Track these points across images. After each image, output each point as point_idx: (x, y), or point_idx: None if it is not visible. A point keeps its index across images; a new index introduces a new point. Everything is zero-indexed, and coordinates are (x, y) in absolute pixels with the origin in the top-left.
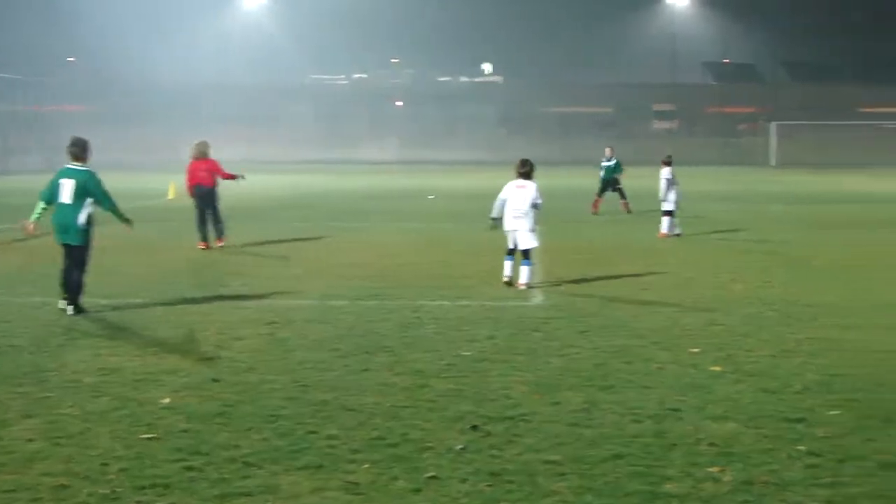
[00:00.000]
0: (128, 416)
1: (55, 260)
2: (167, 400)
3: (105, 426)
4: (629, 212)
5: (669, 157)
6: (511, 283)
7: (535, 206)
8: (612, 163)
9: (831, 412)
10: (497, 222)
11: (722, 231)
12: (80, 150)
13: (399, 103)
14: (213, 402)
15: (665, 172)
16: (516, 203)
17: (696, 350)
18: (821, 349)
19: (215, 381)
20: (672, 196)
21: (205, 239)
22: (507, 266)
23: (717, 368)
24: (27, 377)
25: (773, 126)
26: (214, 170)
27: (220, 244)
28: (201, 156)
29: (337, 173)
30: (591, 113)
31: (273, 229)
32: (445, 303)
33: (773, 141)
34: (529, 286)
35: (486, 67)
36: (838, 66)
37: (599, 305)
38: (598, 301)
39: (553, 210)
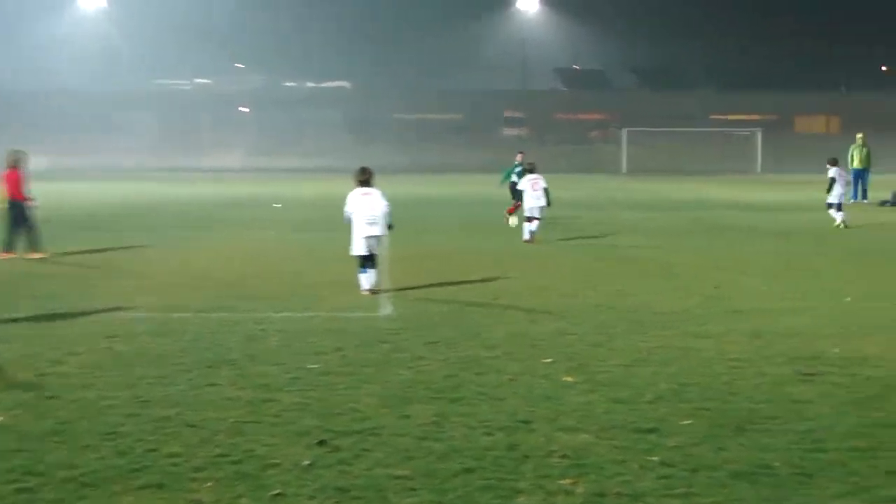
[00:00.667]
0: None
1: None
2: None
3: None
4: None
5: (532, 164)
6: (373, 291)
7: (383, 212)
8: (520, 168)
9: (683, 422)
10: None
11: (575, 238)
12: None
13: (244, 109)
14: (48, 419)
15: (528, 179)
16: (367, 210)
17: (548, 360)
18: (673, 358)
19: (50, 398)
20: (538, 202)
21: (9, 248)
22: (364, 279)
23: (570, 379)
24: None
25: (624, 133)
26: (15, 181)
27: (35, 256)
28: (14, 164)
29: (181, 181)
30: (442, 119)
31: (113, 239)
32: (292, 314)
33: (625, 148)
34: (374, 291)
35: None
36: (689, 73)
37: (450, 315)
38: (449, 311)
39: (403, 219)
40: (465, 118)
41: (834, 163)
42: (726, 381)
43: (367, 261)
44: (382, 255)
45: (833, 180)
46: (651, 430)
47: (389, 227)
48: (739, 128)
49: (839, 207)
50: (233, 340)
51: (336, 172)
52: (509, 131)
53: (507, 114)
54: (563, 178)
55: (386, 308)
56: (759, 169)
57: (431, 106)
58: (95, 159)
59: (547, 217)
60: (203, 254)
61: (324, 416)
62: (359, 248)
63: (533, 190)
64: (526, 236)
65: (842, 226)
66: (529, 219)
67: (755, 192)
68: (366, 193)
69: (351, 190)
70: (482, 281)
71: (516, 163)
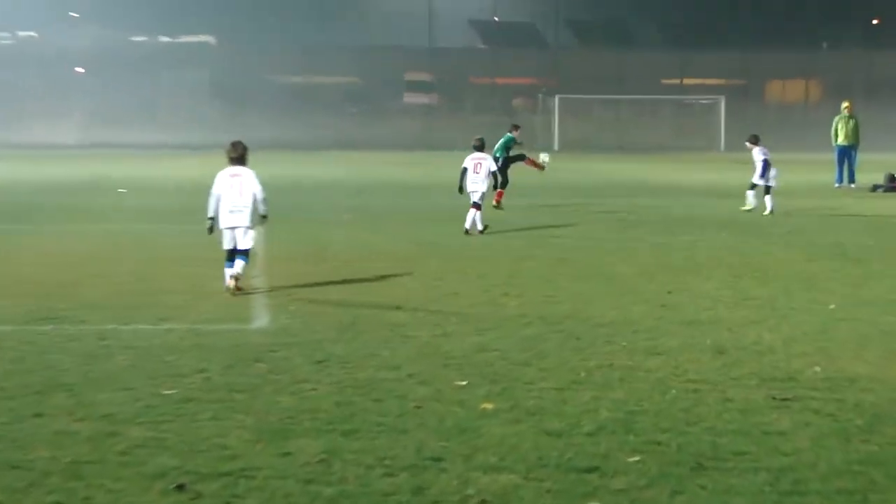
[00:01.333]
0: None
1: None
2: None
3: None
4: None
5: (480, 140)
6: (235, 290)
7: (254, 197)
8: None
9: (630, 458)
10: (214, 222)
11: (495, 232)
12: None
13: (79, 70)
14: None
15: (472, 159)
16: (232, 196)
17: (462, 383)
18: (618, 379)
19: None
20: (481, 186)
21: None
22: (228, 272)
23: (489, 406)
24: None
25: (556, 100)
26: None
27: None
28: None
29: None
30: (333, 83)
31: None
32: (142, 326)
33: (556, 119)
34: (242, 290)
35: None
36: (638, 28)
37: (341, 328)
38: (340, 322)
39: (282, 208)
40: (360, 83)
41: (755, 141)
42: (683, 408)
43: (238, 253)
44: (256, 250)
45: (766, 162)
46: (591, 470)
47: (264, 217)
48: (698, 95)
49: (767, 191)
50: (67, 360)
51: (198, 150)
52: (413, 98)
53: (410, 76)
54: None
55: (261, 318)
56: (722, 146)
57: (322, 67)
58: None
59: (450, 207)
60: (24, 253)
61: (183, 454)
62: (224, 240)
63: (474, 172)
64: (467, 224)
65: (769, 214)
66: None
67: (716, 173)
68: (235, 174)
69: (221, 169)
70: (382, 285)
71: (509, 135)
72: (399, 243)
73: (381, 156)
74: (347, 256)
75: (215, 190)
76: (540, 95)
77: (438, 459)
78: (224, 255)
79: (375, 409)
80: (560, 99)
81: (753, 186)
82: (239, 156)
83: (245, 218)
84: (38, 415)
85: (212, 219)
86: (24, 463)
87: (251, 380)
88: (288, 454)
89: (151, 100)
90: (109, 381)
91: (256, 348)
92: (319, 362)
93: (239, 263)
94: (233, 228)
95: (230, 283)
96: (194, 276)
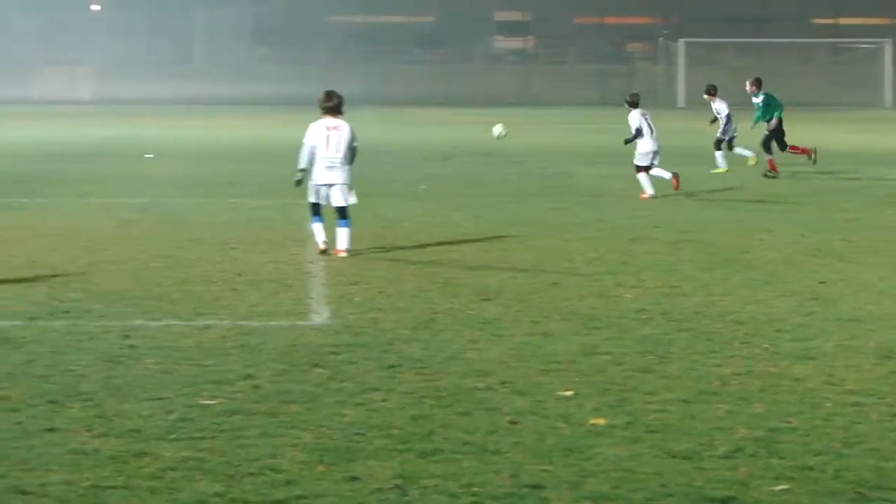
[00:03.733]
0: None
1: None
2: None
3: None
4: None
5: (635, 95)
6: (327, 251)
7: (352, 151)
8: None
9: (775, 487)
10: (305, 174)
11: (613, 208)
12: None
13: (95, 7)
14: None
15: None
16: (329, 151)
17: (567, 393)
18: (758, 390)
19: None
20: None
21: None
22: (320, 229)
23: (601, 421)
24: None
25: (680, 46)
26: None
27: None
28: None
29: None
30: (403, 24)
31: None
32: (175, 322)
33: (682, 69)
34: (350, 252)
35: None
36: None
37: (417, 325)
38: (416, 318)
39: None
40: (438, 22)
41: (713, 92)
42: (841, 426)
43: (339, 218)
44: (349, 206)
45: (729, 116)
46: (726, 500)
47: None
48: (857, 38)
49: (730, 145)
50: (85, 363)
51: (239, 105)
52: (504, 43)
53: (501, 16)
54: (586, 113)
55: (320, 313)
56: (887, 100)
57: (384, 3)
58: None
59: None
60: (31, 232)
61: (226, 478)
62: (311, 193)
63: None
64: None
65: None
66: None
67: (879, 134)
68: (333, 126)
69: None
70: (467, 272)
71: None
72: (487, 221)
73: (461, 113)
74: (423, 237)
75: (308, 140)
76: (660, 39)
77: (538, 487)
78: (309, 210)
79: (460, 424)
80: (685, 44)
81: (720, 144)
82: (335, 105)
83: (343, 175)
84: (52, 429)
85: (303, 170)
86: (34, 488)
87: (308, 388)
88: (354, 479)
89: (182, 45)
90: (136, 388)
91: (314, 349)
92: (391, 367)
93: (344, 232)
94: (329, 185)
95: (323, 247)
96: (237, 262)
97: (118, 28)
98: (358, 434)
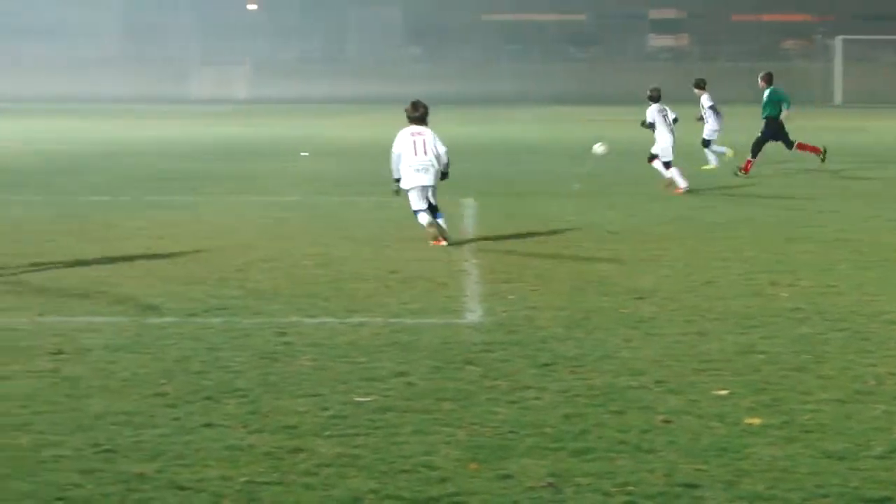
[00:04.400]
0: None
1: None
2: None
3: None
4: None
5: (656, 90)
6: (439, 238)
7: (437, 156)
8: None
9: None
10: (400, 184)
11: (765, 206)
12: None
13: (252, 6)
14: None
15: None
16: (416, 155)
17: (722, 392)
18: None
19: None
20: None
21: None
22: (426, 217)
23: (756, 421)
24: None
25: (837, 43)
26: None
27: None
28: None
29: (152, 118)
30: (556, 22)
31: (46, 204)
32: (329, 320)
33: (839, 66)
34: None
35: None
36: None
37: (571, 323)
38: (570, 316)
39: (494, 175)
40: (590, 20)
41: (702, 86)
42: None
43: (436, 212)
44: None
45: (714, 109)
46: (882, 501)
47: (444, 175)
48: None
49: (707, 144)
50: (241, 359)
51: (389, 104)
52: (658, 40)
53: (656, 14)
54: (741, 110)
55: (473, 311)
56: None
57: (538, 3)
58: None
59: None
60: (187, 231)
61: (380, 475)
62: (413, 200)
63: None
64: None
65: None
66: None
67: None
68: (416, 133)
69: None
70: (621, 270)
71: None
72: (641, 219)
73: (613, 111)
74: (578, 235)
75: (396, 149)
76: (817, 37)
77: (693, 486)
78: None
79: (614, 423)
80: (842, 41)
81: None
82: (420, 116)
83: (432, 177)
84: (208, 425)
85: (398, 180)
86: (191, 483)
87: (461, 386)
88: (507, 477)
89: (336, 43)
90: (291, 385)
91: (467, 347)
92: (545, 365)
93: (440, 223)
94: (424, 188)
95: (434, 235)
96: (390, 259)
97: (273, 27)
98: (511, 432)
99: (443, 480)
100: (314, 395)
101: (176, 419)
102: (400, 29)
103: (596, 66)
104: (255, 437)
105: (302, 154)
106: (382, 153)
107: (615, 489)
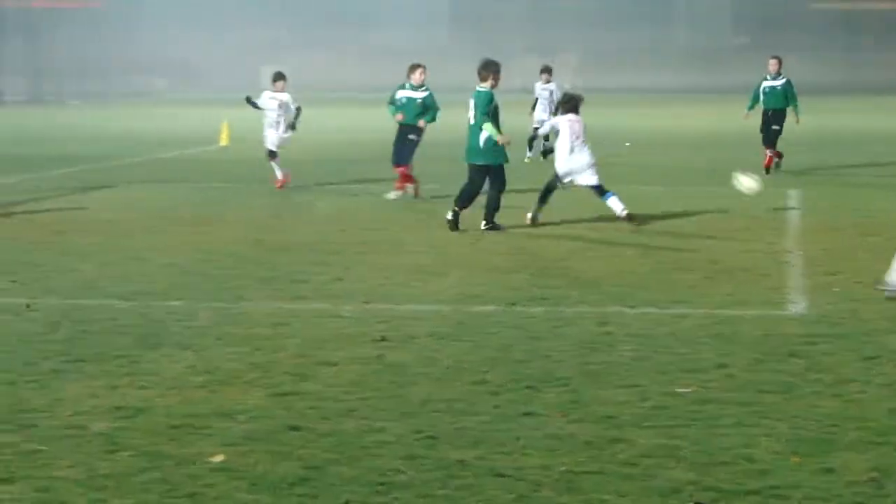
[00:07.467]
0: (158, 483)
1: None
2: (220, 458)
3: (124, 498)
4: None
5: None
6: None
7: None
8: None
9: None
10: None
11: None
12: None
13: None
14: (290, 461)
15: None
16: (577, 139)
17: None
18: None
19: (294, 429)
20: None
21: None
22: (616, 201)
23: None
24: (5, 419)
25: None
26: None
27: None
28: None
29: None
30: (887, 11)
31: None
32: (650, 310)
33: None
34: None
35: None
36: None
37: None
38: None
39: (821, 166)
40: None
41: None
42: None
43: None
44: None
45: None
46: None
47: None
48: None
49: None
50: (562, 348)
51: (713, 93)
52: None
53: None
54: None
55: (796, 303)
56: None
57: None
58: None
59: None
60: (509, 216)
61: (700, 466)
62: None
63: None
64: None
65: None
66: None
67: None
68: (576, 120)
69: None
70: None
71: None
72: None
73: None
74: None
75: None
76: None
77: None
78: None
79: None
80: None
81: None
82: (573, 105)
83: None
84: (528, 414)
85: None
86: (511, 471)
87: (784, 378)
88: (829, 471)
89: (662, 34)
90: (611, 375)
91: (790, 339)
92: (870, 358)
93: (614, 200)
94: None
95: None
96: (713, 250)
97: (600, 16)
98: (833, 426)
99: (763, 473)
100: (634, 386)
101: (496, 407)
102: (728, 18)
103: None
104: (574, 426)
105: (626, 144)
106: (715, 141)
107: None
